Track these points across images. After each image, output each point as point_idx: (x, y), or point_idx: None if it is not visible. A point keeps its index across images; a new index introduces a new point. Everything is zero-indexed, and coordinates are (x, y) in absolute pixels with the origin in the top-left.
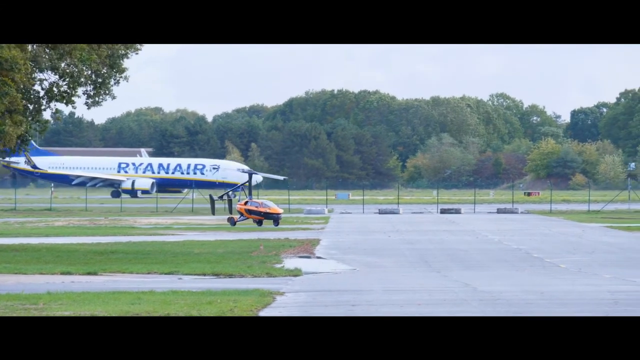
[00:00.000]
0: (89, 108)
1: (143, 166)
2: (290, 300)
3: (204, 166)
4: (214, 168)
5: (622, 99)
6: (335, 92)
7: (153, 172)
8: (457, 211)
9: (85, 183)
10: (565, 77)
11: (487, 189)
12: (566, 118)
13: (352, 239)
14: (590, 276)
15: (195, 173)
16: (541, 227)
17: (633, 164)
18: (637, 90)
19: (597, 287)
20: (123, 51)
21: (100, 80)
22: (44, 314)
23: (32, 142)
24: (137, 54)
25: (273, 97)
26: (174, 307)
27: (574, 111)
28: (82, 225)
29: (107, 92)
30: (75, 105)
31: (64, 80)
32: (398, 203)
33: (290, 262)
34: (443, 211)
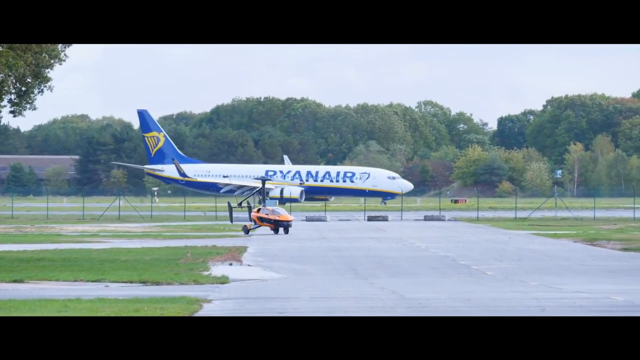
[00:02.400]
0: (15, 116)
1: (291, 174)
2: (217, 308)
3: (353, 174)
4: (364, 175)
5: (549, 107)
6: (262, 99)
7: (301, 180)
8: (385, 218)
9: (233, 191)
10: (492, 85)
11: (414, 196)
12: (493, 125)
13: (280, 246)
14: (517, 283)
15: (344, 181)
16: (468, 234)
17: (559, 171)
18: (563, 98)
19: (523, 294)
20: (47, 61)
21: (24, 89)
22: None
23: (176, 149)
24: (61, 64)
25: (200, 105)
26: (100, 314)
27: (501, 118)
28: (8, 232)
29: (30, 101)
30: (0, 115)
31: None
32: (325, 210)
33: (217, 270)
34: (370, 218)
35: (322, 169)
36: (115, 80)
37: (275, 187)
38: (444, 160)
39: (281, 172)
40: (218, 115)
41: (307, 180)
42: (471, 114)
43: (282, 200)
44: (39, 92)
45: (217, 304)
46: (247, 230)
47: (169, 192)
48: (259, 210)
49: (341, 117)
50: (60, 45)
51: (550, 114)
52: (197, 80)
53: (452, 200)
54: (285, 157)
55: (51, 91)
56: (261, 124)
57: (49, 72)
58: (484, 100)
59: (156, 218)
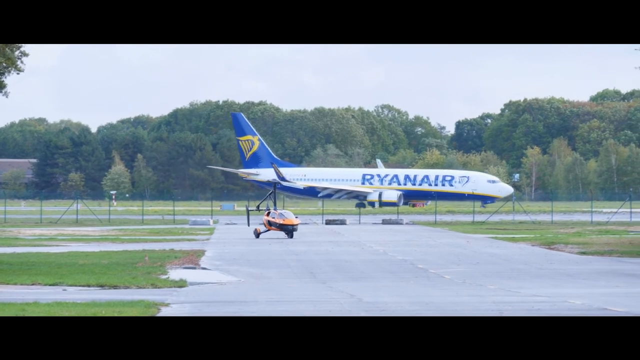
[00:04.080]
0: None
1: (389, 177)
2: (175, 312)
3: (452, 177)
4: (463, 178)
5: (507, 111)
6: (220, 102)
7: (399, 184)
8: (342, 222)
9: (331, 195)
10: (449, 88)
11: None
12: (451, 129)
13: (238, 250)
14: (475, 287)
15: (443, 184)
16: (426, 238)
17: (517, 175)
18: (521, 101)
19: (481, 298)
20: (6, 62)
21: None
22: None
23: (271, 152)
24: (18, 73)
25: (158, 108)
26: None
27: (459, 122)
28: None
29: None
30: None
31: None
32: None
33: (175, 273)
34: (328, 222)
35: (420, 172)
36: (73, 83)
37: (374, 191)
38: (402, 164)
39: (379, 175)
40: (176, 118)
41: (405, 184)
42: (428, 118)
43: (380, 205)
44: None
45: (175, 308)
46: (257, 234)
47: (127, 195)
48: (268, 213)
49: (298, 121)
50: (17, 52)
51: (507, 117)
52: (155, 84)
53: (410, 203)
54: (378, 160)
55: (7, 97)
56: (219, 128)
57: (4, 78)
58: (442, 104)
59: (114, 222)
